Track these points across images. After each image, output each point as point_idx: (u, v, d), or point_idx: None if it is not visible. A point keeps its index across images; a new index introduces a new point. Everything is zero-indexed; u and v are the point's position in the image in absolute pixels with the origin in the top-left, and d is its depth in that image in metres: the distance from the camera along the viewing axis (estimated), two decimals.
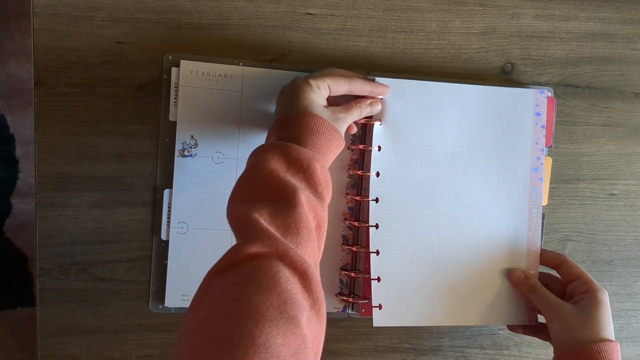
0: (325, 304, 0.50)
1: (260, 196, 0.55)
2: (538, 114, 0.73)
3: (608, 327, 0.65)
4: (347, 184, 0.71)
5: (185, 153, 0.68)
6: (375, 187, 0.68)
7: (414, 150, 0.69)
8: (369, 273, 0.68)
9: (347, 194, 0.71)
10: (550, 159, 0.77)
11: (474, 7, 0.74)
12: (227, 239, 0.69)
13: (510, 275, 0.72)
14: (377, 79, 0.68)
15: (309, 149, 0.58)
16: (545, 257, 0.73)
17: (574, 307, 0.66)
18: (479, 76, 0.74)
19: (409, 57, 0.73)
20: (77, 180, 0.67)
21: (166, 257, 0.69)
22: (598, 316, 0.65)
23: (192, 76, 0.67)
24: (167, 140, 0.68)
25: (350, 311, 0.73)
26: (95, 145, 0.67)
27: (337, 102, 0.65)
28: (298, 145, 0.58)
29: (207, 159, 0.68)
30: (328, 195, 0.59)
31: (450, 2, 0.73)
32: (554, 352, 0.67)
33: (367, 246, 0.68)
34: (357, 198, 0.70)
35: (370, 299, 0.68)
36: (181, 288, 0.69)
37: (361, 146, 0.69)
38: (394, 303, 0.68)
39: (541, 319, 0.71)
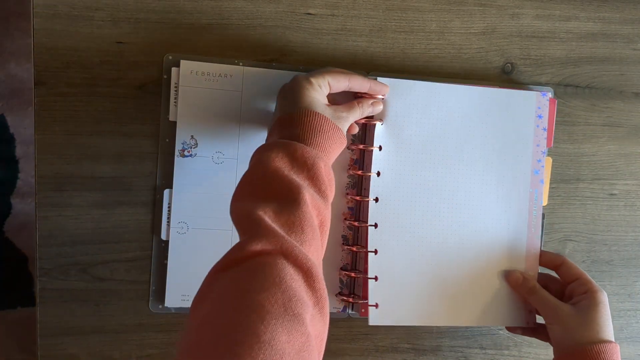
0: (328, 302, 0.50)
1: (265, 194, 0.54)
2: (540, 117, 0.72)
3: (607, 328, 0.65)
4: (347, 184, 0.71)
5: (185, 153, 0.68)
6: (375, 186, 0.68)
7: (414, 150, 0.69)
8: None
9: (347, 194, 0.71)
10: (550, 159, 0.77)
11: (474, 7, 0.74)
12: (227, 239, 0.69)
13: (508, 277, 0.72)
14: (377, 79, 0.68)
15: (313, 148, 0.58)
16: (545, 258, 0.73)
17: (573, 309, 0.66)
18: (479, 76, 0.74)
19: (409, 57, 0.73)
20: (77, 180, 0.67)
21: (166, 257, 0.69)
22: (597, 317, 0.65)
23: (192, 76, 0.67)
24: (167, 140, 0.68)
25: (350, 311, 0.73)
26: (95, 145, 0.67)
27: (337, 101, 0.65)
28: (302, 144, 0.57)
29: (207, 159, 0.68)
30: (331, 194, 0.59)
31: (450, 2, 0.73)
32: (554, 353, 0.67)
33: (367, 246, 0.68)
34: (357, 198, 0.70)
35: None
36: (181, 288, 0.69)
37: (361, 146, 0.69)
38: (390, 302, 0.68)
39: (540, 319, 0.71)
